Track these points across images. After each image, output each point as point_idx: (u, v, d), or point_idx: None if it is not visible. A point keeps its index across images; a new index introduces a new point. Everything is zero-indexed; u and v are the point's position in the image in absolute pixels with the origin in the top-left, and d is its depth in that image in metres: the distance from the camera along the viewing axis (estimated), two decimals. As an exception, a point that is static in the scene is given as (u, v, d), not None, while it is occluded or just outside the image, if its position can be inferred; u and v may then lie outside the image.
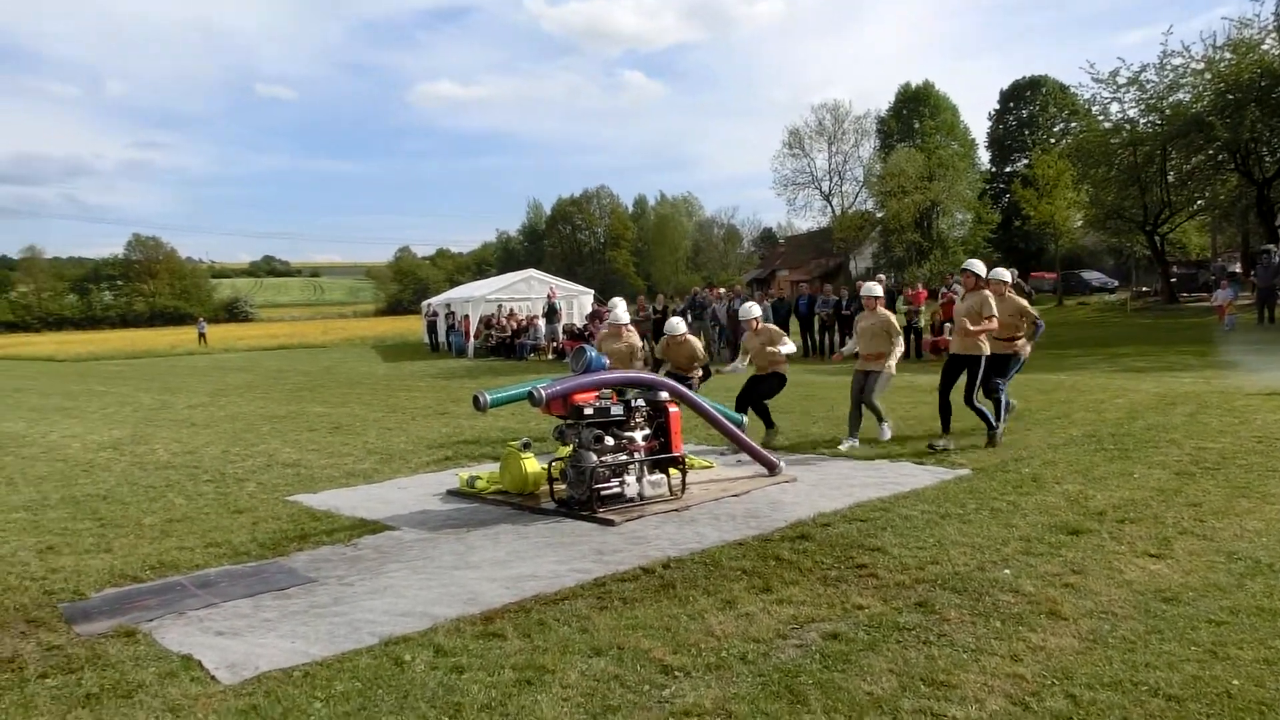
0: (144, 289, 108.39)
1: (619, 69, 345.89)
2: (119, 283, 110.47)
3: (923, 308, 19.42)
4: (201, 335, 47.20)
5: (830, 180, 62.78)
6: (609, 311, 10.57)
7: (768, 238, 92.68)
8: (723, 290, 25.25)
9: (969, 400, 8.76)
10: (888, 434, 9.36)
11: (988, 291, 8.82)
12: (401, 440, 10.92)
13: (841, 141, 62.18)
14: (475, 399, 6.90)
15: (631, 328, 10.02)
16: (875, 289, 9.52)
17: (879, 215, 56.59)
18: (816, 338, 21.53)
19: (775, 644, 4.06)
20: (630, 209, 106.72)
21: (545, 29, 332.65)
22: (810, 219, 69.01)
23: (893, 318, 9.45)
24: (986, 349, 8.74)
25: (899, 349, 9.31)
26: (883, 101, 68.90)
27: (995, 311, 8.68)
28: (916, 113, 59.44)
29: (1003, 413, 8.94)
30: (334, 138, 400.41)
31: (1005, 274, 9.31)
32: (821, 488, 7.25)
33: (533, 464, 7.40)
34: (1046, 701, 3.38)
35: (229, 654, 4.21)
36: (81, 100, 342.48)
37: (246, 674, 3.97)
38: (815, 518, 6.25)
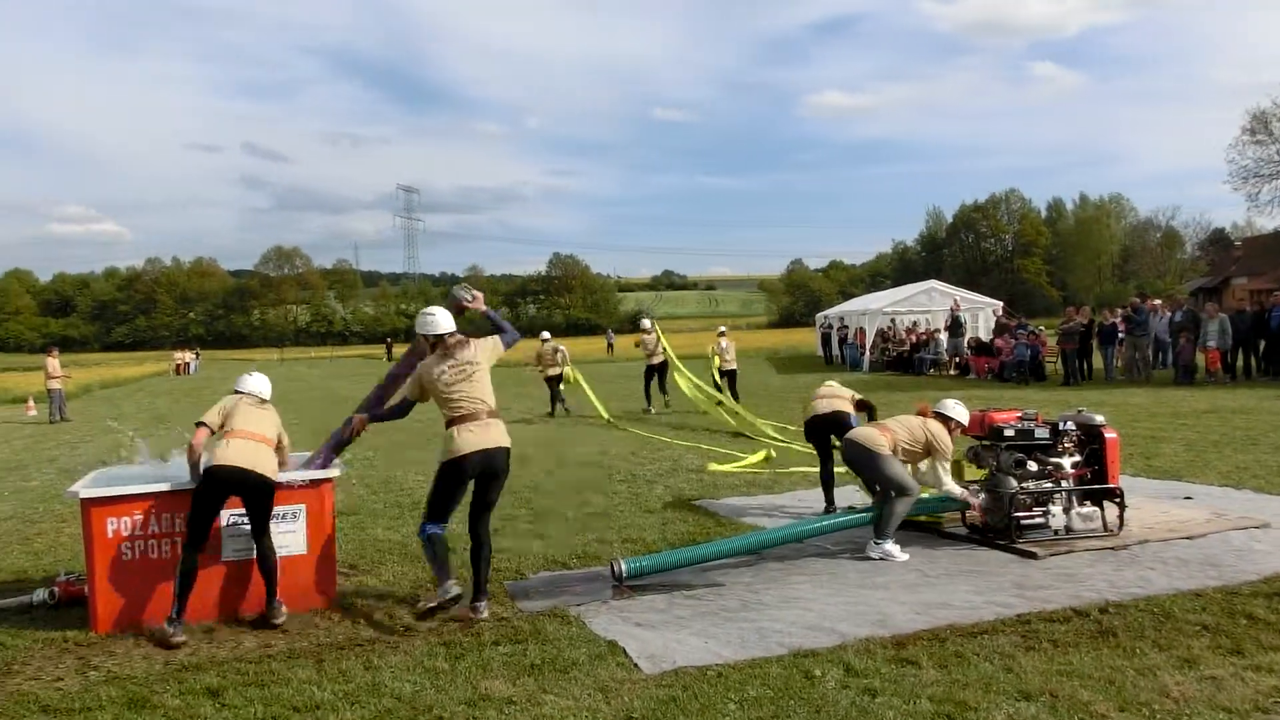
0: (561, 302, 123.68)
1: (1025, 62, 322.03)
2: (541, 297, 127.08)
3: None
4: (610, 345, 51.63)
5: (1310, 168, 53.19)
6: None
7: (1218, 240, 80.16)
8: (1158, 301, 22.32)
9: None
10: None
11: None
12: (795, 452, 10.96)
13: (1327, 121, 52.38)
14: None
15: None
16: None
17: (1376, 209, 46.85)
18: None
19: (1253, 717, 3.40)
20: (1044, 213, 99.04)
21: (939, 29, 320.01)
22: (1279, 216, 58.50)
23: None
24: None
25: None
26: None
27: None
28: None
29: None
30: (726, 154, 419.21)
31: None
32: (1303, 536, 6.02)
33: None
34: None
35: (649, 645, 4.43)
36: (508, 136, 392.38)
37: (665, 666, 4.14)
38: (1299, 572, 5.19)
